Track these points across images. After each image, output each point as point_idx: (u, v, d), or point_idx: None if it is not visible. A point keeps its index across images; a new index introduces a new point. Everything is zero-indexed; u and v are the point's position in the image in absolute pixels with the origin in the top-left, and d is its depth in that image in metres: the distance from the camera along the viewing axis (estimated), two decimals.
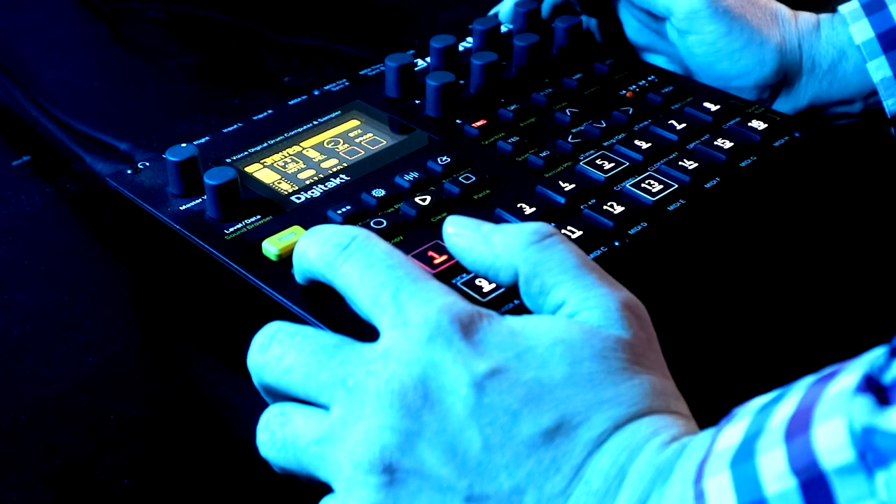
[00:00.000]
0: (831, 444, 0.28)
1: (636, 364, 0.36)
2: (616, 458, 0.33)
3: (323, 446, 0.36)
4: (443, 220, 0.50)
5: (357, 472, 0.34)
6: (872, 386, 0.28)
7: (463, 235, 0.41)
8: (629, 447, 0.34)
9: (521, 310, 0.44)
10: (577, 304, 0.37)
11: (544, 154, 0.54)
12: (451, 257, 0.47)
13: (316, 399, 0.37)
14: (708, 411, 0.38)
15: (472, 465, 0.33)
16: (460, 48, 0.65)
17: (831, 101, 0.62)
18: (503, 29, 0.68)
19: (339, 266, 0.38)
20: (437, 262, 0.47)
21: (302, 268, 0.41)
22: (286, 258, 0.47)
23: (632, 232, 0.49)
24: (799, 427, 0.29)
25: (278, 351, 0.38)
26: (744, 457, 0.30)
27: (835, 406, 0.28)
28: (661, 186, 0.52)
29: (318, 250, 0.39)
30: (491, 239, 0.39)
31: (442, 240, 0.48)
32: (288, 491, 0.43)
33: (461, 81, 0.62)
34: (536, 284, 0.38)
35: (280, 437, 0.37)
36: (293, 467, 0.37)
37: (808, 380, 0.31)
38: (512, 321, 0.36)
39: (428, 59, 0.65)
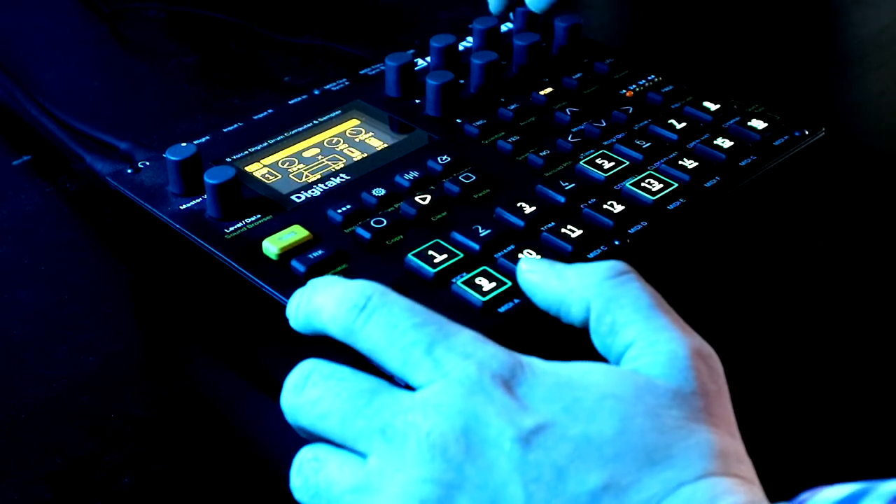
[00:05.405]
0: None
1: (696, 421, 0.34)
2: None
3: (359, 496, 0.34)
4: (443, 218, 0.50)
5: None
6: None
7: (536, 272, 0.39)
8: None
9: (523, 310, 0.45)
10: (644, 346, 0.36)
11: (544, 153, 0.54)
12: (451, 256, 0.47)
13: (353, 446, 0.35)
14: None
15: None
16: (460, 48, 0.65)
17: None
18: (503, 28, 0.68)
19: (360, 329, 0.36)
20: (437, 261, 0.47)
21: (314, 327, 0.39)
22: (286, 257, 0.47)
23: (632, 231, 0.49)
24: None
25: (314, 394, 0.36)
26: None
27: None
28: (661, 185, 0.52)
29: (333, 313, 0.37)
30: (565, 274, 0.38)
31: (442, 238, 0.48)
32: (288, 491, 0.43)
33: (461, 81, 0.62)
34: (607, 321, 0.37)
35: (314, 483, 0.36)
36: None
37: (887, 489, 0.29)
38: (557, 368, 0.35)
39: (428, 59, 0.65)
